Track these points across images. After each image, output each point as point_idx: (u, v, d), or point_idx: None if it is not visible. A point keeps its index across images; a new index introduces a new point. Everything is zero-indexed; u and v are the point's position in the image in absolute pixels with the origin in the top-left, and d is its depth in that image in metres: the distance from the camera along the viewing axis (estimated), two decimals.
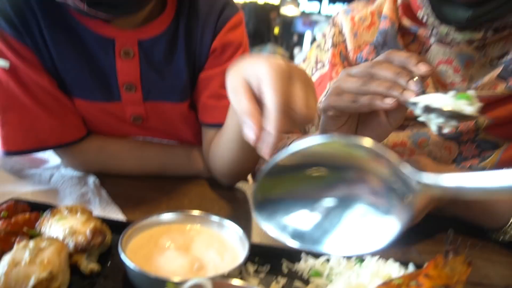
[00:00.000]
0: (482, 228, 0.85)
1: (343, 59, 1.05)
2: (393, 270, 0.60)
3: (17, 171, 0.90)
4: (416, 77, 0.64)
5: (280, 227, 0.39)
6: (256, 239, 0.75)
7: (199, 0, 0.89)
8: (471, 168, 0.87)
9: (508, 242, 0.81)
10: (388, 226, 0.36)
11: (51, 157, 0.99)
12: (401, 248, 0.76)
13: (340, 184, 0.39)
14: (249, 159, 0.88)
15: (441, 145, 0.90)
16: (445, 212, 0.85)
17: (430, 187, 0.36)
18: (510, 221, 0.78)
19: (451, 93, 0.59)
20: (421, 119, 0.62)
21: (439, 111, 0.59)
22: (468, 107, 0.57)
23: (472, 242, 0.62)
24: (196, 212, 0.66)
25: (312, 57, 1.15)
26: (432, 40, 0.92)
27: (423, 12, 0.93)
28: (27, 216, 0.61)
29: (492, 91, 0.84)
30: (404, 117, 0.72)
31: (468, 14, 0.82)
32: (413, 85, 0.63)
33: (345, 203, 0.38)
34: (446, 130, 0.62)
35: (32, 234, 0.58)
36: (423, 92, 0.63)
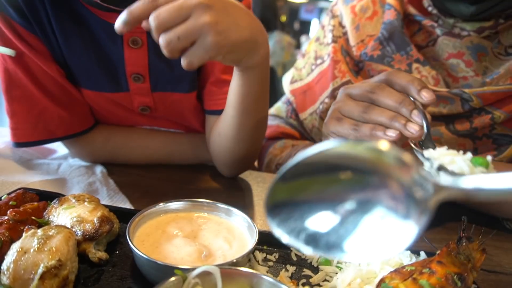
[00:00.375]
0: (496, 217, 0.83)
1: (345, 54, 1.01)
2: (404, 258, 0.59)
3: (26, 161, 0.90)
4: (417, 108, 0.61)
5: (294, 233, 0.39)
6: (264, 226, 0.75)
7: None
8: None
9: None
10: (406, 230, 0.35)
11: (59, 147, 1.00)
12: None
13: (357, 188, 0.37)
14: (247, 147, 0.87)
15: (455, 142, 0.86)
16: (459, 203, 0.83)
17: (448, 189, 0.34)
18: None
19: (468, 156, 0.56)
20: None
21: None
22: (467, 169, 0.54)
23: (485, 230, 0.61)
24: (203, 200, 0.65)
25: (312, 52, 1.11)
26: (438, 31, 0.88)
27: (428, 1, 0.90)
28: (35, 205, 0.61)
29: (509, 84, 0.79)
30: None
31: (471, 10, 0.79)
32: (416, 116, 0.60)
33: (361, 207, 0.37)
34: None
35: (41, 222, 0.58)
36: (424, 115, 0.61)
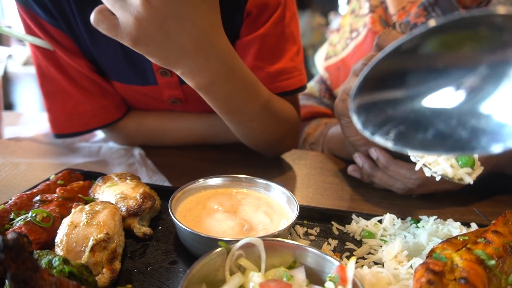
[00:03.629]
0: None
1: (385, 24, 0.96)
2: (454, 229, 0.56)
3: (69, 145, 0.94)
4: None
5: (382, 132, 0.35)
6: (303, 202, 0.74)
7: None
8: None
9: None
10: None
11: (98, 131, 1.03)
12: (456, 210, 0.72)
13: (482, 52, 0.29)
14: (261, 137, 0.84)
15: None
16: (508, 171, 0.78)
17: None
18: None
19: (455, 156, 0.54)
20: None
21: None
22: (467, 177, 0.54)
23: None
24: (241, 176, 0.65)
25: (347, 25, 1.06)
26: None
27: None
28: (81, 183, 0.64)
29: None
30: None
31: None
32: None
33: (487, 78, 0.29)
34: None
35: (87, 199, 0.60)
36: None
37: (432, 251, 0.45)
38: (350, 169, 0.80)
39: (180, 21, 0.57)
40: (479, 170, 0.55)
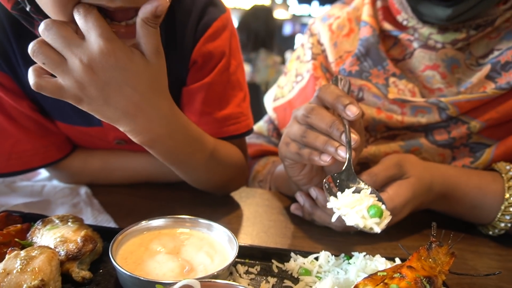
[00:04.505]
0: (471, 223, 0.86)
1: (325, 70, 1.05)
2: (380, 265, 0.61)
3: (9, 184, 0.91)
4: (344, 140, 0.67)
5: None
6: (247, 241, 0.77)
7: (176, 8, 0.82)
8: (463, 167, 0.88)
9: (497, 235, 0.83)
10: None
11: (42, 169, 1.00)
12: (388, 244, 0.78)
13: None
14: (207, 182, 0.87)
15: (435, 152, 0.90)
16: (435, 209, 0.86)
17: None
18: (498, 215, 0.79)
19: (365, 204, 0.62)
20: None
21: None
22: (376, 227, 0.61)
23: (455, 234, 0.64)
24: (185, 216, 0.67)
25: (293, 70, 1.15)
26: (415, 44, 0.92)
27: (402, 16, 0.94)
28: (18, 227, 0.62)
29: (482, 92, 0.83)
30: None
31: (448, 13, 0.82)
32: (342, 152, 0.66)
33: None
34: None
35: (24, 244, 0.59)
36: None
37: (356, 287, 0.49)
38: (293, 207, 0.85)
39: (121, 86, 0.58)
40: (387, 219, 0.61)
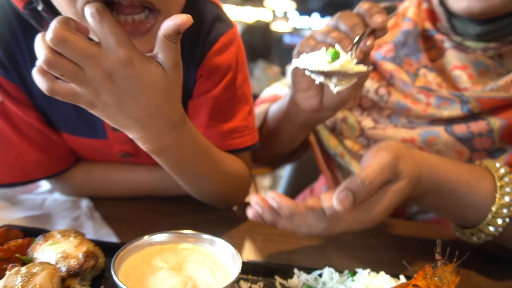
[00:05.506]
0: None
1: None
2: (385, 282, 0.61)
3: (10, 197, 0.90)
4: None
5: None
6: (249, 256, 0.76)
7: None
8: (455, 160, 0.88)
9: (499, 253, 0.81)
10: None
11: (43, 182, 1.00)
12: (392, 261, 0.77)
13: None
14: (212, 195, 0.88)
15: (452, 147, 0.89)
16: (421, 206, 0.85)
17: None
18: (488, 218, 0.72)
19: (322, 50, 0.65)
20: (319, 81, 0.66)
21: (317, 73, 0.63)
22: (326, 66, 0.61)
23: (461, 252, 0.63)
24: (188, 231, 0.66)
25: None
26: (447, 45, 0.96)
27: (441, 24, 0.99)
28: (19, 242, 0.62)
29: (506, 92, 0.85)
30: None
31: (478, 30, 0.87)
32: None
33: None
34: (336, 88, 0.65)
35: (24, 260, 0.59)
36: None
37: None
38: (250, 215, 0.70)
39: (136, 95, 0.59)
40: (346, 62, 0.62)
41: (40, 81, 0.57)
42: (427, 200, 0.76)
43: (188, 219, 0.90)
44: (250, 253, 0.77)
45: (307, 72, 0.65)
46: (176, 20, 0.54)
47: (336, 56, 0.62)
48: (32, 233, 0.67)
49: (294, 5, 7.65)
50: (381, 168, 0.65)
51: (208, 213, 0.93)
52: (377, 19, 0.70)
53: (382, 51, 1.04)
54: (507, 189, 0.70)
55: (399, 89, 0.99)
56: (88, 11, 0.53)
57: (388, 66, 1.00)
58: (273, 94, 1.22)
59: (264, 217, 0.68)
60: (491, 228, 0.71)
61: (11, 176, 0.85)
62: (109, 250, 0.64)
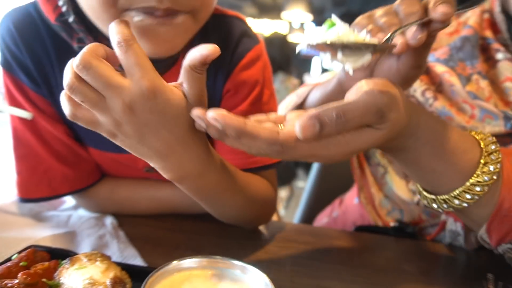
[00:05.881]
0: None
1: None
2: None
3: (36, 214, 0.90)
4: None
5: None
6: (279, 283, 0.72)
7: (212, 37, 0.83)
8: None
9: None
10: None
11: (68, 198, 0.99)
12: None
13: None
14: (237, 217, 0.85)
15: None
16: (390, 157, 0.79)
17: None
18: (458, 190, 0.61)
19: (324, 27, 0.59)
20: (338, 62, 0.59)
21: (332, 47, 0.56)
22: (318, 39, 0.55)
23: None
24: (217, 257, 0.64)
25: None
26: (500, 56, 0.92)
27: (501, 35, 0.95)
28: (46, 265, 0.60)
29: None
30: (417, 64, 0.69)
31: None
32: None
33: None
34: (350, 69, 0.58)
35: (51, 285, 0.57)
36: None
37: None
38: (197, 126, 0.60)
39: (158, 128, 0.57)
40: (339, 32, 0.57)
41: (64, 104, 0.57)
42: (399, 156, 0.65)
43: (213, 239, 0.88)
44: (279, 280, 0.73)
45: (308, 50, 0.58)
46: (203, 51, 0.52)
47: (330, 25, 0.58)
48: (58, 254, 0.65)
49: (310, 16, 7.65)
50: (367, 109, 0.52)
51: (232, 232, 0.90)
52: (440, 9, 0.58)
53: (436, 53, 1.00)
54: (491, 168, 0.61)
55: (446, 96, 0.95)
56: (115, 39, 0.53)
57: (440, 69, 0.96)
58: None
59: (209, 133, 0.57)
60: (456, 202, 0.62)
61: (38, 190, 0.85)
62: (136, 274, 0.62)
